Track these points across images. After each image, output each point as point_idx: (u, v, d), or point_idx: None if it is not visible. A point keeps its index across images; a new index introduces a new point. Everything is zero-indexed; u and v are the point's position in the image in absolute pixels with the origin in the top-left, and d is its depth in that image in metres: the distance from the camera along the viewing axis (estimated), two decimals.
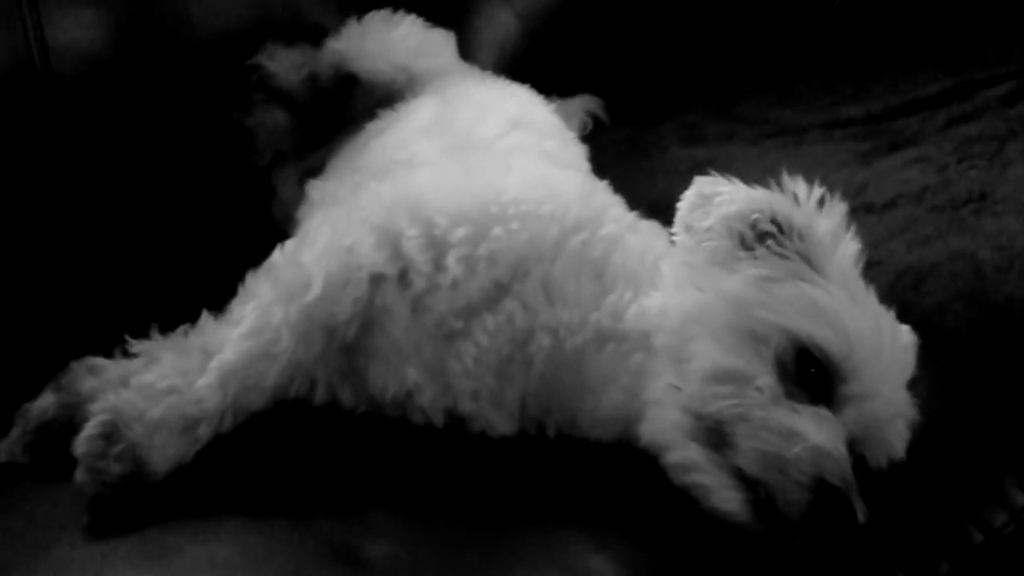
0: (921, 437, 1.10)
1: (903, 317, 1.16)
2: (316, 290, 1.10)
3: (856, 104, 1.99)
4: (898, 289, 1.40)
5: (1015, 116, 1.83)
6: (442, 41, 1.75)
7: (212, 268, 1.27)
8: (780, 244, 1.10)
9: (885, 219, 1.58)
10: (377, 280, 1.13)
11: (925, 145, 1.80)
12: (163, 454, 1.03)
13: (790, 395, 1.03)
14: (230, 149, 1.66)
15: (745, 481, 1.01)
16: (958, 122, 1.86)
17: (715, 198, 1.13)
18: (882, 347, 1.07)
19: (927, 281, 1.43)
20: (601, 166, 1.54)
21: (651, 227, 1.24)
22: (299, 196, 1.53)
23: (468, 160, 1.35)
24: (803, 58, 2.17)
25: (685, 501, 1.04)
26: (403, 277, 1.13)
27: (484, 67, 1.82)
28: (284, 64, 1.68)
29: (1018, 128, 1.78)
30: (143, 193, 1.54)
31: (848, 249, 1.13)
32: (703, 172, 1.19)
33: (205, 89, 1.61)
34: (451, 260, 1.12)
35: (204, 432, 1.05)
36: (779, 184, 1.14)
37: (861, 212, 1.53)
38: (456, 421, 1.16)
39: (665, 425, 1.06)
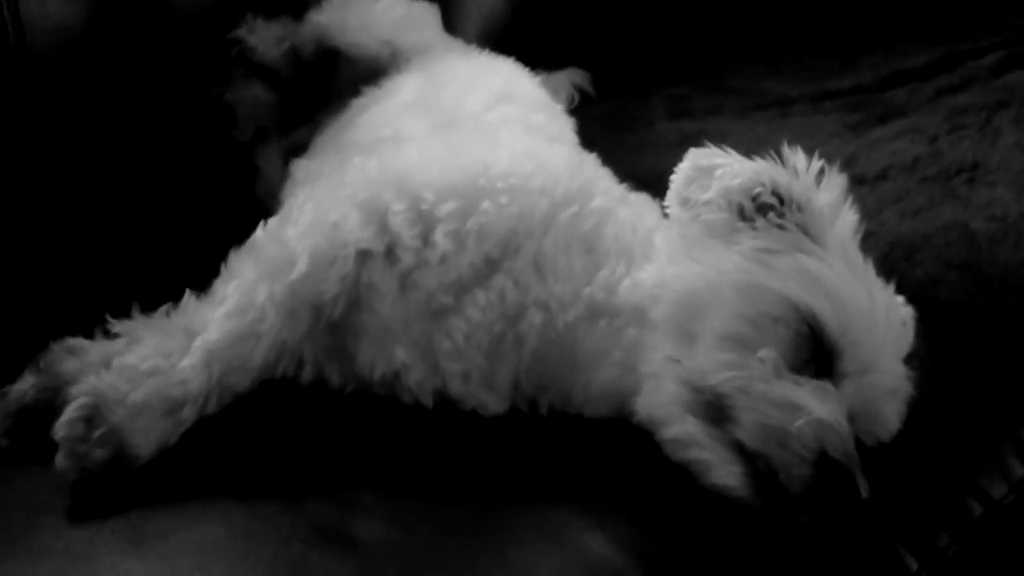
0: (918, 410, 1.09)
1: (896, 289, 1.15)
2: (301, 268, 1.08)
3: (844, 76, 1.98)
4: (891, 261, 1.39)
5: (1003, 86, 1.83)
6: (426, 14, 1.74)
7: (194, 247, 1.25)
8: (780, 216, 1.09)
9: (876, 190, 1.58)
10: (364, 257, 1.11)
11: (915, 116, 1.79)
12: (146, 437, 1.01)
13: (797, 370, 1.02)
14: (211, 125, 1.64)
15: (745, 455, 0.99)
16: (947, 93, 1.85)
17: (714, 170, 1.12)
18: (879, 321, 1.06)
19: (920, 252, 1.42)
20: (588, 140, 1.53)
21: (642, 200, 1.23)
22: (283, 173, 1.52)
23: (455, 135, 1.33)
24: (791, 30, 2.16)
25: (683, 477, 1.03)
26: (390, 253, 1.11)
27: (468, 40, 1.80)
28: (264, 38, 1.66)
29: (1007, 98, 1.78)
30: (122, 171, 1.51)
31: (847, 221, 1.12)
32: (691, 145, 1.17)
33: (184, 64, 1.58)
34: (439, 235, 1.10)
35: (188, 414, 1.03)
36: (776, 155, 1.13)
37: (852, 183, 1.50)
38: (446, 401, 1.14)
39: (663, 398, 1.04)
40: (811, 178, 1.12)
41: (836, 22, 2.19)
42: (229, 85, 1.67)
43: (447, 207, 1.10)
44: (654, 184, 1.20)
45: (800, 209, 1.10)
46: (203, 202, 1.52)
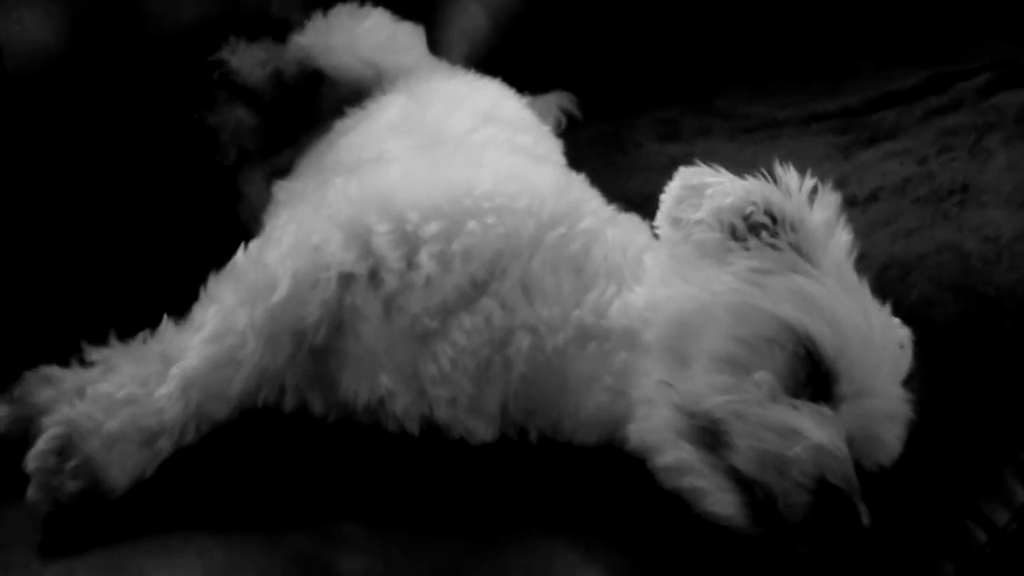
0: (917, 434, 1.07)
1: (891, 310, 1.13)
2: (282, 291, 1.06)
3: (832, 98, 1.98)
4: (884, 282, 1.37)
5: (992, 108, 1.82)
6: (411, 35, 1.72)
7: (174, 271, 1.23)
8: (772, 235, 1.07)
9: (868, 212, 1.57)
10: (346, 280, 1.09)
11: (904, 138, 1.79)
12: (122, 469, 0.98)
13: (794, 393, 1.00)
14: (193, 148, 1.62)
15: (742, 483, 0.97)
16: (936, 114, 1.85)
17: (705, 190, 1.10)
18: (876, 342, 1.04)
19: (913, 273, 1.41)
20: (576, 162, 1.51)
21: (631, 220, 1.21)
22: (266, 197, 1.50)
23: (439, 155, 1.31)
24: (778, 53, 2.16)
25: (677, 506, 1.01)
26: (374, 276, 1.09)
27: (454, 62, 1.79)
28: (248, 60, 1.65)
29: (996, 119, 1.77)
30: (102, 194, 1.50)
31: (841, 240, 1.10)
32: (681, 167, 1.15)
33: (166, 86, 1.56)
34: (424, 257, 1.08)
35: (165, 445, 1.01)
36: (769, 175, 1.11)
37: (843, 205, 1.51)
38: (432, 429, 1.11)
39: (656, 424, 1.02)
40: (804, 197, 1.11)
41: (822, 45, 2.19)
42: (212, 108, 1.65)
43: (432, 228, 1.08)
44: (643, 206, 1.19)
45: (793, 228, 1.08)
46: (185, 226, 1.50)
